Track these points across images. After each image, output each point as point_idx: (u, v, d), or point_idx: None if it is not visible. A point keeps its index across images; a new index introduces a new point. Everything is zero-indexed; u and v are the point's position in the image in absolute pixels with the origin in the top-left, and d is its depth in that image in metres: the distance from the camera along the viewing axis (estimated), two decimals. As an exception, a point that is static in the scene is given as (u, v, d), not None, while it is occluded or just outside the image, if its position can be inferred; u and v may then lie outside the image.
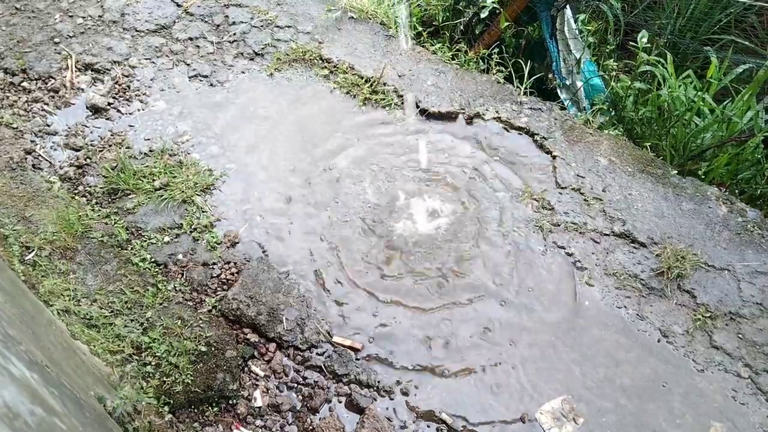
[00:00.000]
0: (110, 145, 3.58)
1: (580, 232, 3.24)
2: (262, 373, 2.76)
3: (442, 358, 2.81)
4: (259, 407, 2.66)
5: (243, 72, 4.05)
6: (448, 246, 3.22)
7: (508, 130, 3.75)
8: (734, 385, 2.71)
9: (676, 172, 3.48)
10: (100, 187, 3.36)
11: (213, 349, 2.64)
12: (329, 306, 2.98)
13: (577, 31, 4.32)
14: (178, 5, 4.40)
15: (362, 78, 3.97)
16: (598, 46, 4.42)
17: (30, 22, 4.19)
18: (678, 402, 2.67)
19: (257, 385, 2.72)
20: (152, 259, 3.04)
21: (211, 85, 3.97)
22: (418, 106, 3.82)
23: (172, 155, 3.55)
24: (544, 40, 4.36)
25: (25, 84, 3.87)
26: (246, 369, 2.77)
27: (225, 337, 2.73)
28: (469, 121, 3.80)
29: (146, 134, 3.67)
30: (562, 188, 3.43)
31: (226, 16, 4.35)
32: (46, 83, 3.89)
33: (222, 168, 3.51)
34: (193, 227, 3.20)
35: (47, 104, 3.78)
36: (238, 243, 3.19)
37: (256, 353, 2.82)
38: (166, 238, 3.15)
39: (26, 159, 3.42)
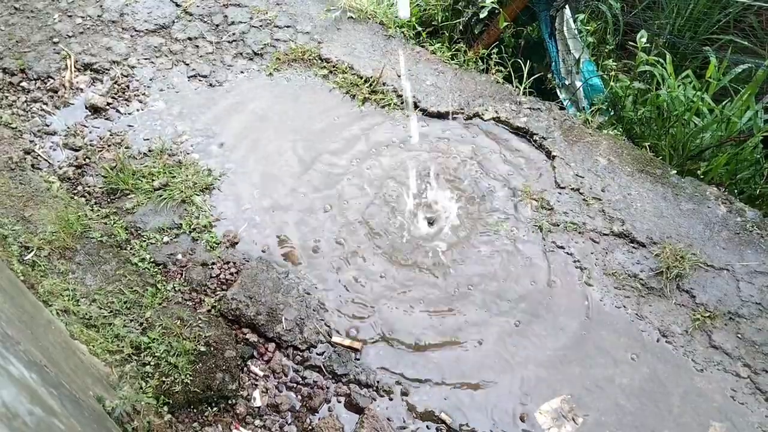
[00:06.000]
0: (109, 145, 3.58)
1: (580, 232, 3.24)
2: (261, 373, 2.76)
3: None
4: (259, 407, 2.66)
5: (242, 72, 4.05)
6: (447, 246, 3.22)
7: (507, 130, 3.75)
8: (733, 385, 2.71)
9: (676, 171, 3.48)
10: (99, 187, 3.36)
11: (212, 349, 2.64)
12: (328, 305, 2.98)
13: (576, 31, 4.32)
14: (177, 5, 4.40)
15: (361, 78, 3.97)
16: (597, 46, 4.42)
17: (29, 22, 4.18)
18: (677, 402, 2.67)
19: (256, 385, 2.72)
20: (151, 259, 3.04)
21: (210, 85, 3.97)
22: (416, 106, 3.82)
23: (171, 155, 3.55)
24: (543, 40, 4.36)
25: (24, 84, 3.86)
26: (245, 369, 2.77)
27: (224, 337, 2.72)
28: (468, 120, 3.80)
29: (145, 134, 3.67)
30: (561, 188, 3.43)
31: (226, 16, 4.35)
32: (45, 83, 3.89)
33: (221, 168, 3.51)
34: (192, 227, 3.20)
35: (46, 104, 3.78)
36: (237, 243, 3.19)
37: (255, 353, 2.82)
38: (166, 238, 3.15)
39: (25, 159, 3.42)
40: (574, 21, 4.33)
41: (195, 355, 2.59)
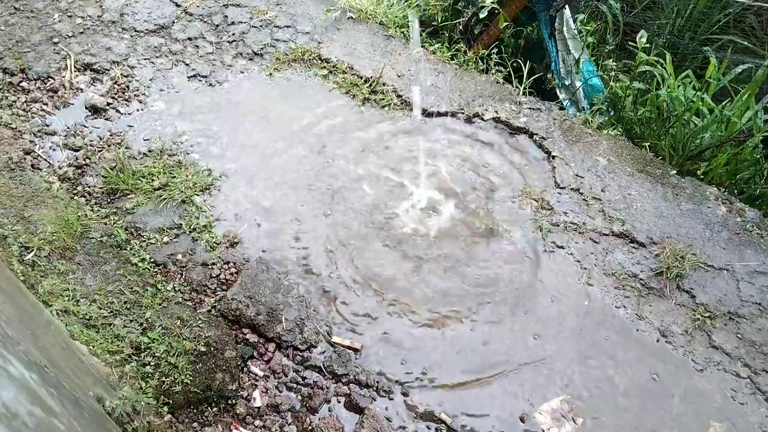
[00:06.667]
0: (109, 146, 3.58)
1: (580, 232, 3.24)
2: (261, 373, 2.76)
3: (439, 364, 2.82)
4: (259, 407, 2.66)
5: (242, 72, 4.05)
6: (446, 246, 3.22)
7: (507, 130, 3.75)
8: (733, 385, 2.71)
9: (675, 172, 3.48)
10: (99, 188, 3.36)
11: (212, 349, 2.64)
12: (327, 306, 2.98)
13: (576, 31, 4.32)
14: (177, 5, 4.40)
15: (361, 78, 3.97)
16: (597, 46, 4.42)
17: (29, 22, 4.18)
18: (677, 402, 2.67)
19: (256, 385, 2.72)
20: (151, 260, 3.04)
21: (210, 85, 3.97)
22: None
23: (171, 155, 3.55)
24: (543, 40, 4.36)
25: (24, 84, 3.86)
26: (245, 369, 2.77)
27: (224, 337, 2.72)
28: (468, 121, 3.80)
29: (145, 134, 3.67)
30: (561, 188, 3.43)
31: (225, 16, 4.35)
32: (45, 83, 3.89)
33: (221, 168, 3.51)
34: (192, 227, 3.20)
35: (46, 104, 3.78)
36: (237, 243, 3.19)
37: (255, 353, 2.82)
38: (165, 239, 3.15)
39: (25, 159, 3.42)
40: (574, 21, 4.33)
41: (195, 355, 2.59)
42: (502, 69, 4.15)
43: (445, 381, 2.74)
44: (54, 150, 3.55)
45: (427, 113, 3.81)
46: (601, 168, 3.50)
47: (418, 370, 2.77)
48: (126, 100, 3.85)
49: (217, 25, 4.31)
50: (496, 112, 3.79)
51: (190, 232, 3.19)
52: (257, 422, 2.62)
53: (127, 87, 3.92)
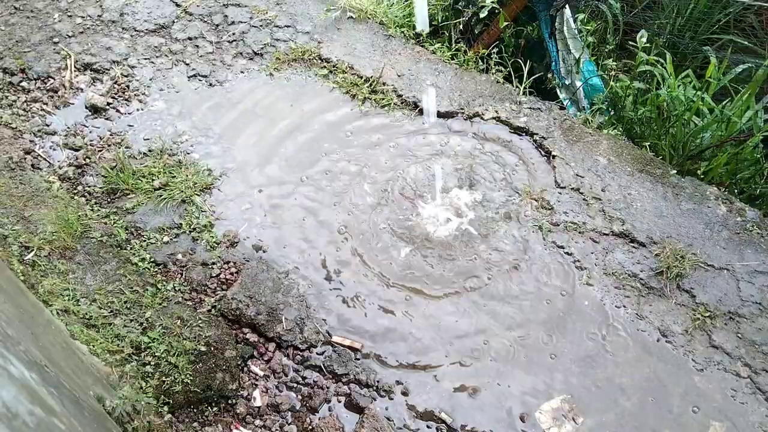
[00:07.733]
0: (109, 145, 3.58)
1: (580, 232, 3.24)
2: (261, 373, 2.76)
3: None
4: (259, 407, 2.66)
5: (242, 72, 4.05)
6: (445, 245, 3.22)
7: (507, 130, 3.74)
8: (733, 385, 2.71)
9: (676, 171, 3.48)
10: (100, 187, 3.36)
11: (212, 348, 2.64)
12: (328, 306, 2.98)
13: (576, 31, 4.31)
14: (177, 5, 4.40)
15: (361, 78, 3.97)
16: (597, 45, 4.42)
17: (29, 22, 4.18)
18: (677, 402, 2.67)
19: (256, 384, 2.72)
20: (151, 259, 3.04)
21: (210, 84, 3.97)
22: (416, 106, 3.83)
23: (171, 155, 3.55)
24: (543, 40, 4.36)
25: (24, 84, 3.87)
26: (245, 369, 2.77)
27: (224, 336, 2.73)
28: (468, 120, 3.80)
29: (145, 134, 3.67)
30: (561, 188, 3.43)
31: (226, 16, 4.35)
32: (45, 83, 3.89)
33: (221, 168, 3.51)
34: (192, 227, 3.20)
35: (46, 104, 3.78)
36: (237, 243, 3.19)
37: (255, 353, 2.82)
38: (166, 238, 3.15)
39: (25, 159, 3.42)
40: (574, 21, 4.33)
41: (195, 354, 2.59)
42: (502, 69, 4.14)
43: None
44: (54, 150, 3.55)
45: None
46: (601, 168, 3.50)
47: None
48: (126, 99, 3.85)
49: (217, 25, 4.31)
50: (497, 111, 3.79)
51: (190, 231, 3.19)
52: (257, 422, 2.62)
53: (127, 87, 3.92)
